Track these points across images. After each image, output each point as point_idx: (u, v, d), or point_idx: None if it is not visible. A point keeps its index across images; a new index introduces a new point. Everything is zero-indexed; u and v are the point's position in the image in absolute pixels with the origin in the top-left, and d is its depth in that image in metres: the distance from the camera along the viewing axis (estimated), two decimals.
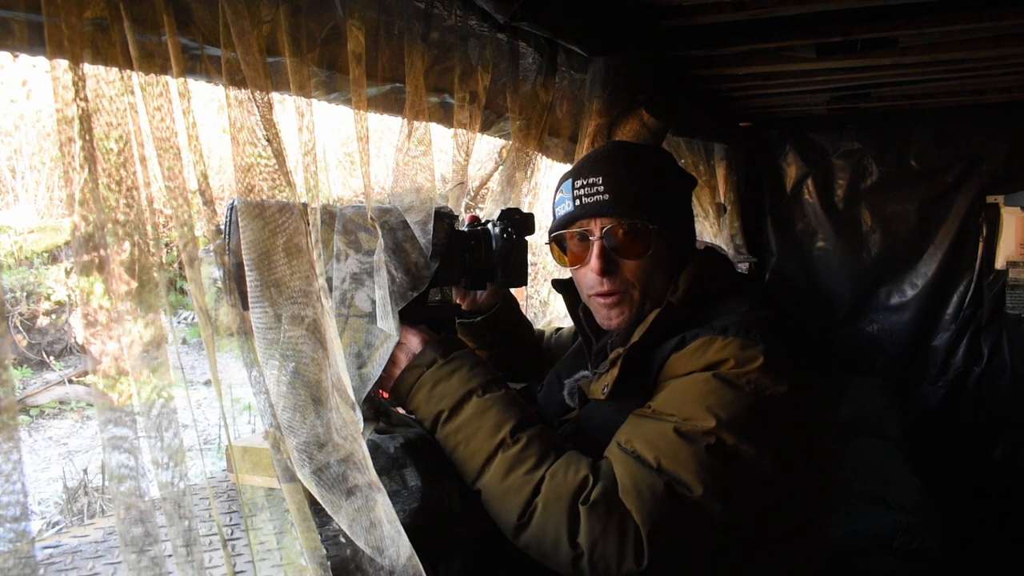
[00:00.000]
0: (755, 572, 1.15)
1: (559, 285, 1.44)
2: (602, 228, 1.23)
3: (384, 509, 0.98)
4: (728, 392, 1.04)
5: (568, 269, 1.34)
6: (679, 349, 1.13)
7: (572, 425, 1.24)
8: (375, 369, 1.15)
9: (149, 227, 0.80)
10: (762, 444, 1.02)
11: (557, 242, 1.31)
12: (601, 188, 1.23)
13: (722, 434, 1.01)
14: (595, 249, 1.23)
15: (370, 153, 1.12)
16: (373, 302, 1.15)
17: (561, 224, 1.29)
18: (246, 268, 0.92)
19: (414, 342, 1.18)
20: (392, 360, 1.18)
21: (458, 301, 1.55)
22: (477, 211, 1.80)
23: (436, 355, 1.16)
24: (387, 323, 1.13)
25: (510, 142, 1.82)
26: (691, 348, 1.12)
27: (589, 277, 1.26)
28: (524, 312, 1.71)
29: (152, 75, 0.81)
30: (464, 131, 1.52)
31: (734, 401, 1.03)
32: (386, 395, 1.26)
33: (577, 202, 1.25)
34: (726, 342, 1.09)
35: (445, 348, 1.18)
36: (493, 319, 1.56)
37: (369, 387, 1.15)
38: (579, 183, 1.26)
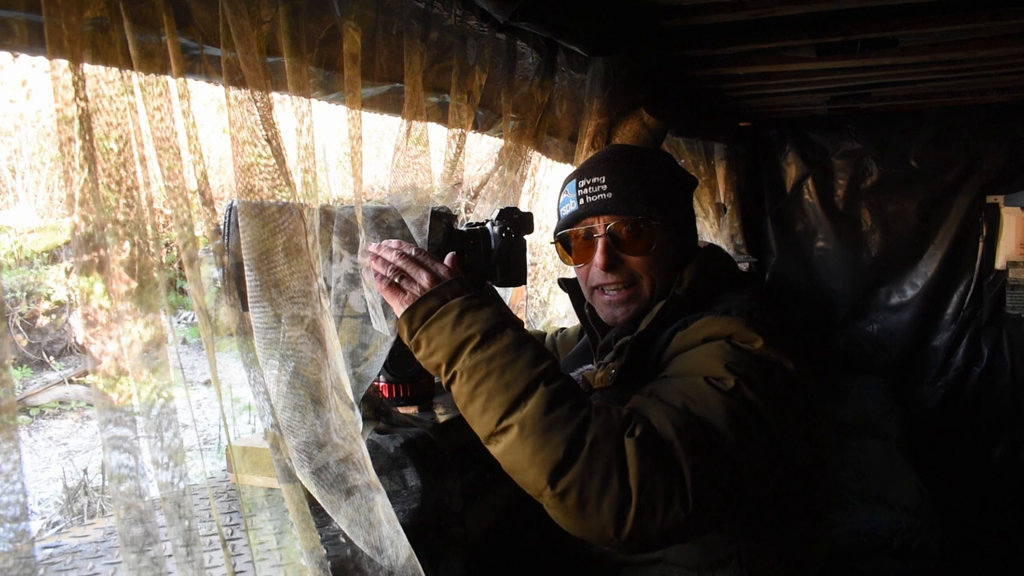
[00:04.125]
0: (758, 569, 1.15)
1: (565, 284, 1.47)
2: (606, 225, 1.26)
3: (383, 509, 0.98)
4: (742, 355, 1.04)
5: (573, 267, 1.36)
6: (682, 329, 1.15)
7: None
8: (371, 369, 1.15)
9: (149, 227, 0.80)
10: (774, 407, 1.01)
11: (563, 241, 1.34)
12: (604, 187, 1.26)
13: (743, 388, 0.99)
14: (600, 245, 1.26)
15: (363, 153, 1.12)
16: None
17: (566, 223, 1.32)
18: (246, 268, 0.92)
19: (441, 269, 1.09)
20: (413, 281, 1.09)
21: None
22: (476, 210, 1.80)
23: (463, 288, 1.07)
24: (381, 324, 1.13)
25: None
26: (695, 326, 1.13)
27: (594, 272, 1.29)
28: (524, 312, 1.71)
29: (152, 75, 0.81)
30: (459, 129, 1.52)
31: (749, 362, 1.03)
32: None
33: (581, 201, 1.28)
34: (730, 319, 1.11)
35: (474, 288, 1.09)
36: None
37: (366, 387, 1.15)
38: (583, 183, 1.29)
